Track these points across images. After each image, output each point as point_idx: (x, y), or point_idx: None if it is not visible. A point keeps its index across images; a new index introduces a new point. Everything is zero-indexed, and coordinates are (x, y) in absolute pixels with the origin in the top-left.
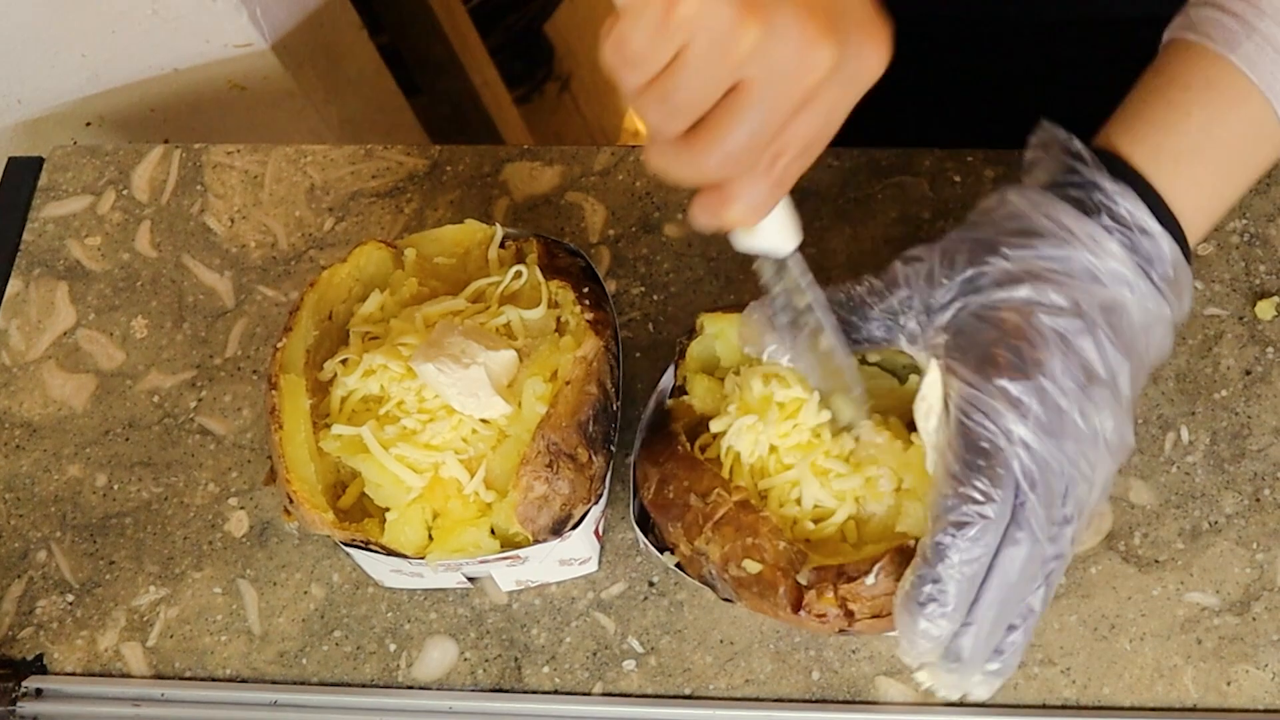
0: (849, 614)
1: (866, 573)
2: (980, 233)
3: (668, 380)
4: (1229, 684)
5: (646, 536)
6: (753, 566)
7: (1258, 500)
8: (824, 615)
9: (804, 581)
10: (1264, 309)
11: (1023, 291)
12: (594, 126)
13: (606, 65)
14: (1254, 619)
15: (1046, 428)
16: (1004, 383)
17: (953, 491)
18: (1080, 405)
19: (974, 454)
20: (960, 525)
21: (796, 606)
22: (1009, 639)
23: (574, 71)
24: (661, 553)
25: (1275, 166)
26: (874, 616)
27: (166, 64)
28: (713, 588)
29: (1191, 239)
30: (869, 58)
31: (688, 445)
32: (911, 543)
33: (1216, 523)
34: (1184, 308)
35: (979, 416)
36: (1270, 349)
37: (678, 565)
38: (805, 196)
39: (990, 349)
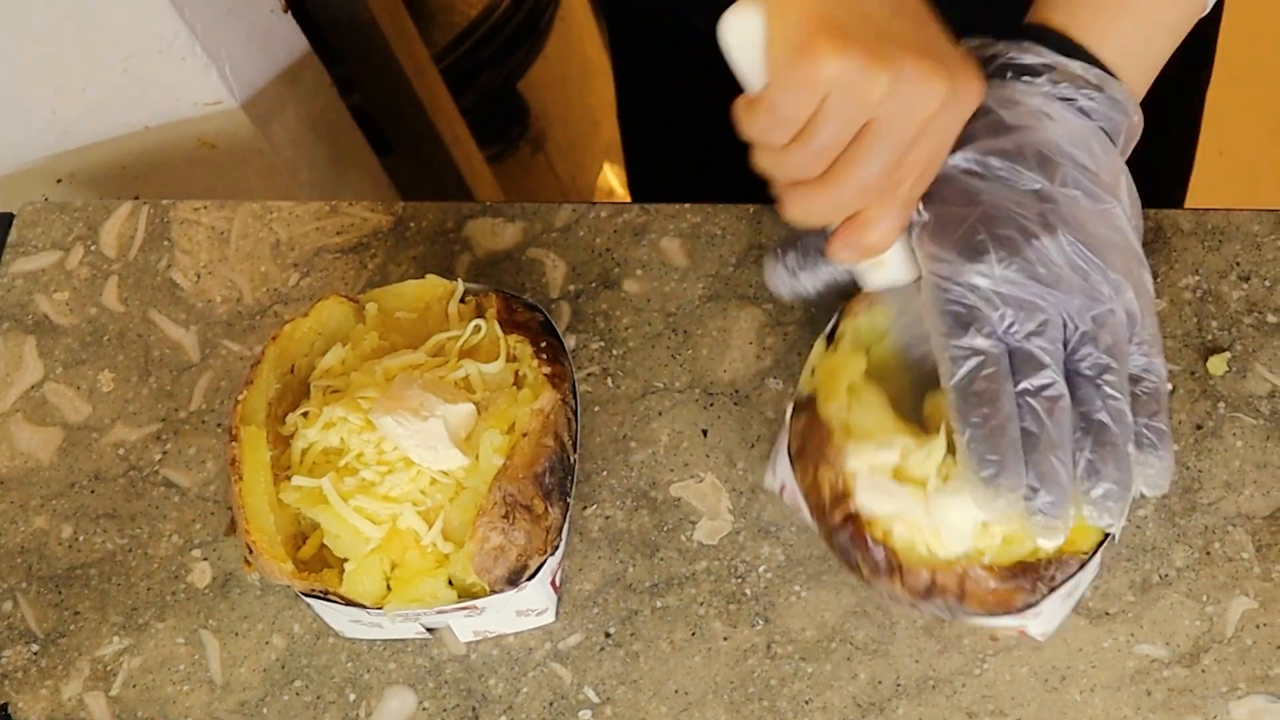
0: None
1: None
2: None
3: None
4: None
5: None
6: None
7: (1208, 554)
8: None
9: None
10: (1215, 364)
11: (958, 156)
12: (568, 186)
13: (753, 132)
14: (1203, 671)
15: (1013, 276)
16: (968, 245)
17: (942, 360)
18: (1037, 237)
19: (951, 319)
20: (966, 382)
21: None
22: (1098, 476)
23: (548, 130)
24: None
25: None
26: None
27: (137, 122)
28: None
29: (1125, 78)
30: (971, 86)
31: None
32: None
33: (1167, 575)
34: (1130, 120)
35: (945, 284)
36: (1221, 404)
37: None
38: (763, 252)
39: (951, 225)
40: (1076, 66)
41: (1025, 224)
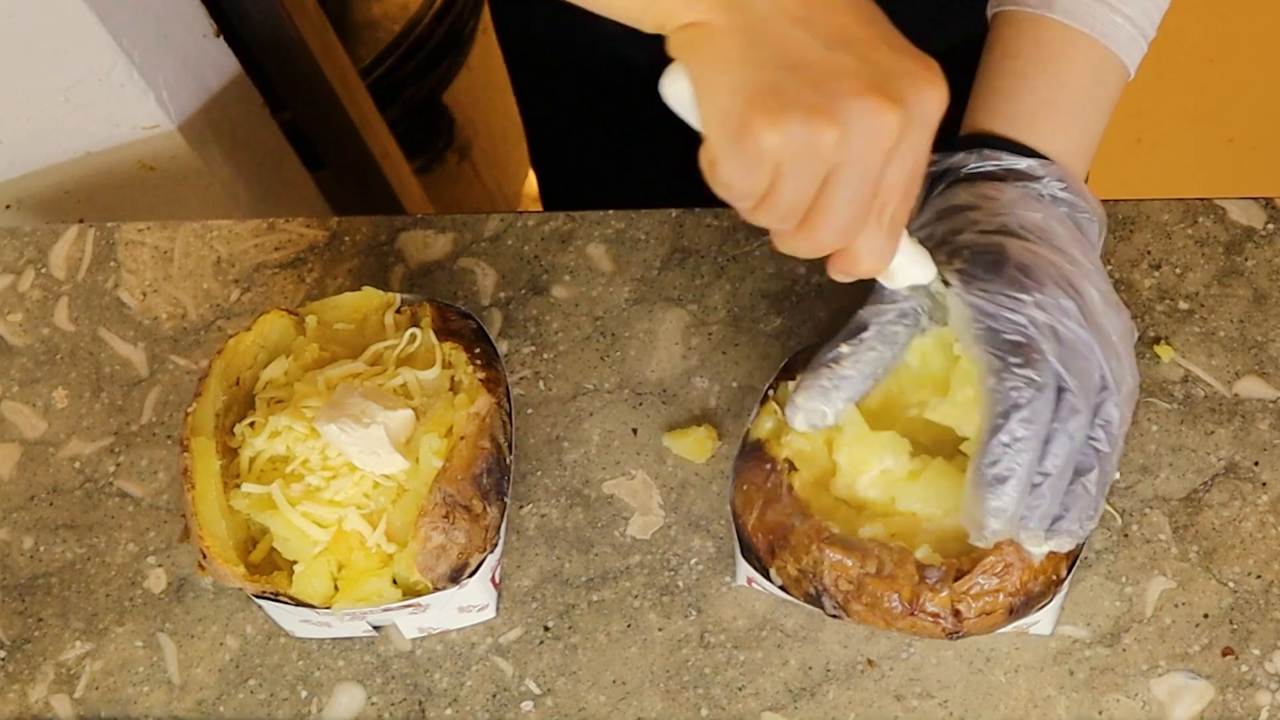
0: (957, 614)
1: (980, 571)
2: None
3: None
4: (1101, 713)
5: (747, 560)
6: (866, 579)
7: (1126, 536)
8: (937, 615)
9: (931, 579)
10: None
11: (964, 235)
12: (494, 193)
13: (720, 195)
14: (1124, 650)
15: (1064, 311)
16: (1017, 282)
17: (997, 384)
18: (1075, 292)
19: (1008, 348)
20: (1012, 408)
21: (912, 609)
22: (1061, 523)
23: (473, 140)
24: (766, 576)
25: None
26: (980, 615)
27: (79, 147)
28: (820, 605)
29: (1071, 166)
30: (929, 99)
31: (788, 474)
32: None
33: (1087, 558)
34: (1092, 205)
35: (1004, 314)
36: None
37: (781, 587)
38: (686, 255)
39: (997, 266)
40: (1035, 166)
41: (1066, 273)
